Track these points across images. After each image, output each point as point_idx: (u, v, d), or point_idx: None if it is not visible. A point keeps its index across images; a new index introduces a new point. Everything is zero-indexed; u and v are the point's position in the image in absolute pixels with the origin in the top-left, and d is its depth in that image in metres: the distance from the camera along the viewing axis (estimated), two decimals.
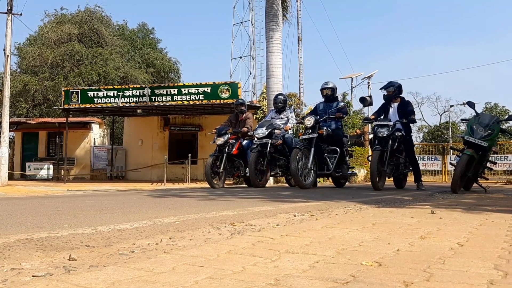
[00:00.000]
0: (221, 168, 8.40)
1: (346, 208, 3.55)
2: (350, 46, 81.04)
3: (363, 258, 1.58)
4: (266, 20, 14.56)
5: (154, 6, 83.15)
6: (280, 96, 9.20)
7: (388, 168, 7.25)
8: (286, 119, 8.83)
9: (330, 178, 9.55)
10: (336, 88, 8.47)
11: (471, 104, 7.00)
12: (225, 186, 8.67)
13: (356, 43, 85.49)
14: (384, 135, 7.04)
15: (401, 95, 7.74)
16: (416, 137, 49.41)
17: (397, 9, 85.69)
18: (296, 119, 9.04)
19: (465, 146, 6.47)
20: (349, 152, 8.77)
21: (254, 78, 28.66)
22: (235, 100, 10.44)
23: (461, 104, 37.21)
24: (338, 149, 7.84)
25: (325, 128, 7.68)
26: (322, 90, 8.32)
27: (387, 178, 7.61)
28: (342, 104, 8.16)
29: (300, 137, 7.88)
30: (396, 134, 7.12)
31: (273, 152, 8.24)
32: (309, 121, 7.54)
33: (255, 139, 8.26)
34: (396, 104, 7.64)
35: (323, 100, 8.45)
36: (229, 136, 8.64)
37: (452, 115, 44.17)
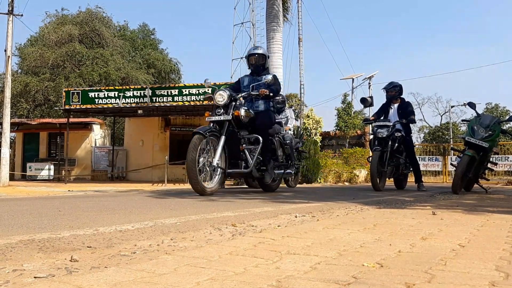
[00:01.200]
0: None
1: (347, 209, 3.56)
2: (350, 47, 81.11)
3: (364, 259, 1.58)
4: (266, 21, 14.58)
5: (155, 7, 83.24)
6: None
7: (389, 169, 7.25)
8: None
9: (253, 180, 7.32)
10: (268, 56, 6.51)
11: (472, 105, 7.01)
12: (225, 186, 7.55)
13: (357, 44, 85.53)
14: (384, 135, 7.05)
15: (401, 96, 7.76)
16: (417, 137, 49.43)
17: (399, 10, 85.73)
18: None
19: (466, 147, 6.48)
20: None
21: None
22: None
23: (461, 105, 37.28)
24: (260, 138, 5.80)
25: (244, 109, 5.71)
26: (249, 57, 6.36)
27: (387, 179, 7.62)
28: (270, 77, 5.99)
29: (207, 119, 5.65)
30: (395, 135, 7.13)
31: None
32: (221, 97, 5.51)
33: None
34: (396, 105, 7.65)
35: (249, 72, 6.48)
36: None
37: (452, 116, 44.20)
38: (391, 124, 7.17)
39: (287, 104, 8.44)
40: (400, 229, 2.37)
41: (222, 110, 5.51)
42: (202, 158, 5.22)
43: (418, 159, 9.04)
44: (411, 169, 7.90)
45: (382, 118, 7.54)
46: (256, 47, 6.69)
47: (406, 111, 7.50)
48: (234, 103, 5.59)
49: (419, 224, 2.59)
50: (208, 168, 5.33)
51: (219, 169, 5.48)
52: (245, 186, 9.14)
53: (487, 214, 3.27)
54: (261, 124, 5.91)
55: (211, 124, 5.52)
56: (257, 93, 5.80)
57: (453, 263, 1.54)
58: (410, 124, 7.61)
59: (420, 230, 2.35)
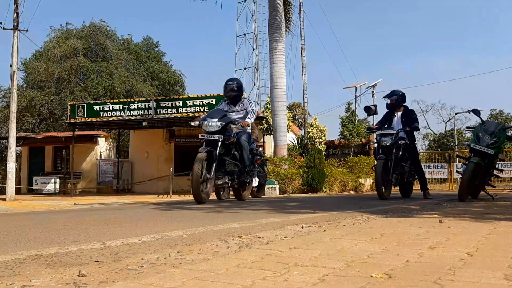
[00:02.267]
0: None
1: (354, 218, 3.54)
2: (353, 56, 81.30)
3: (372, 270, 1.57)
4: (269, 32, 14.67)
5: (158, 20, 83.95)
6: (230, 82, 6.88)
7: (394, 177, 7.21)
8: (244, 112, 6.91)
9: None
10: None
11: (476, 112, 6.99)
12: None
13: (360, 53, 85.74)
14: (388, 144, 7.02)
15: (404, 104, 7.75)
16: (422, 145, 49.22)
17: (401, 17, 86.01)
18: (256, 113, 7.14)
19: (471, 154, 6.45)
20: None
21: (258, 89, 28.81)
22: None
23: (466, 112, 37.19)
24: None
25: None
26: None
27: (393, 187, 7.59)
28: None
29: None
30: (399, 143, 7.10)
31: (223, 154, 6.30)
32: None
33: (202, 135, 6.26)
34: (399, 113, 7.63)
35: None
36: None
37: (457, 123, 44.05)
38: (394, 132, 7.15)
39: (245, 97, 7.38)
40: (408, 239, 2.36)
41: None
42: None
43: (423, 167, 8.99)
44: (416, 177, 7.86)
45: (386, 126, 7.53)
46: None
47: (410, 119, 7.49)
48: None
49: (426, 233, 2.58)
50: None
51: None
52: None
53: (494, 221, 3.25)
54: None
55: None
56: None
57: (461, 273, 1.53)
58: (414, 132, 7.59)
59: (428, 239, 2.34)
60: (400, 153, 7.14)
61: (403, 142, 7.15)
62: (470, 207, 4.94)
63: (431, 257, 1.83)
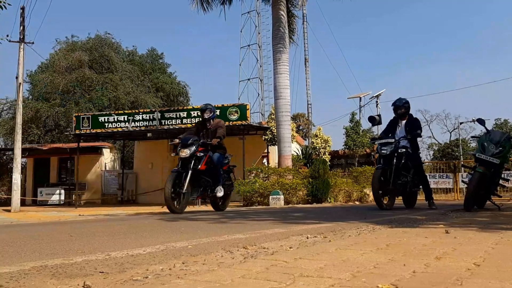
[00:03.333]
0: (184, 187, 6.86)
1: (359, 229, 3.52)
2: (357, 66, 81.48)
3: (379, 280, 1.56)
4: (273, 43, 14.73)
5: (163, 31, 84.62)
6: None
7: (396, 187, 7.06)
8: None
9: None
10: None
11: (481, 121, 6.96)
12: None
13: (363, 62, 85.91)
14: (388, 153, 6.90)
15: (409, 113, 7.65)
16: (426, 155, 49.05)
17: (405, 27, 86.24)
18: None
19: (476, 164, 6.42)
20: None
21: (262, 100, 28.91)
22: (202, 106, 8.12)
23: (470, 121, 37.09)
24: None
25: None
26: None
27: (396, 197, 7.50)
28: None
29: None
30: (400, 151, 6.96)
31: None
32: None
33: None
34: (404, 122, 7.52)
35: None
36: (196, 147, 7.11)
37: (462, 132, 43.88)
38: (393, 140, 7.01)
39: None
40: (414, 249, 2.34)
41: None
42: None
43: (428, 177, 8.88)
44: (420, 186, 7.72)
45: (390, 135, 7.40)
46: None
47: (414, 127, 7.37)
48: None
49: (433, 243, 2.56)
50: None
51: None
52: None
53: (501, 231, 3.22)
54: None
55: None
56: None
57: (469, 283, 1.51)
58: (418, 140, 7.47)
59: (434, 249, 2.32)
60: (403, 162, 6.99)
61: (403, 150, 7.00)
62: (476, 217, 4.91)
63: (438, 268, 1.81)
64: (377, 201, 6.84)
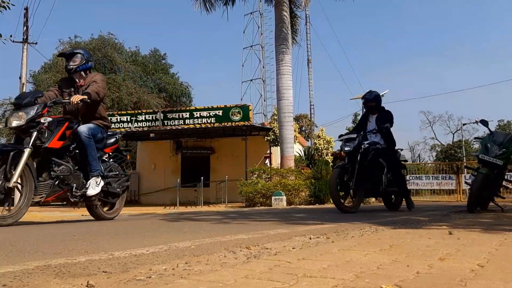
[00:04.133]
0: (14, 179, 4.24)
1: (362, 230, 3.52)
2: (359, 66, 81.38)
3: (382, 281, 1.56)
4: (276, 43, 14.75)
5: (166, 32, 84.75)
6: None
7: (359, 187, 6.34)
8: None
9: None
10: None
11: (484, 123, 6.95)
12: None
13: (366, 63, 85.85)
14: (351, 149, 6.32)
15: (381, 106, 6.98)
16: (429, 156, 49.02)
17: (408, 28, 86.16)
18: None
19: (479, 165, 6.40)
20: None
21: (264, 100, 28.92)
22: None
23: (473, 123, 37.05)
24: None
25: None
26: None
27: (364, 198, 6.88)
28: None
29: None
30: (364, 147, 6.33)
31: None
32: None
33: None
34: (375, 116, 6.88)
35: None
36: (39, 109, 4.33)
37: (465, 134, 43.86)
38: (355, 136, 6.45)
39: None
40: (417, 250, 2.34)
41: None
42: None
43: (431, 178, 8.74)
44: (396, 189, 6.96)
45: (362, 132, 6.74)
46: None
47: (384, 121, 6.67)
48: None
49: (436, 244, 2.56)
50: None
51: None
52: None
53: (505, 233, 3.21)
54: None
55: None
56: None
57: (473, 284, 1.51)
58: (394, 136, 6.84)
59: (438, 250, 2.32)
60: (369, 159, 6.36)
61: (369, 146, 6.35)
62: (479, 218, 4.90)
63: (441, 269, 1.81)
64: (335, 203, 6.22)
